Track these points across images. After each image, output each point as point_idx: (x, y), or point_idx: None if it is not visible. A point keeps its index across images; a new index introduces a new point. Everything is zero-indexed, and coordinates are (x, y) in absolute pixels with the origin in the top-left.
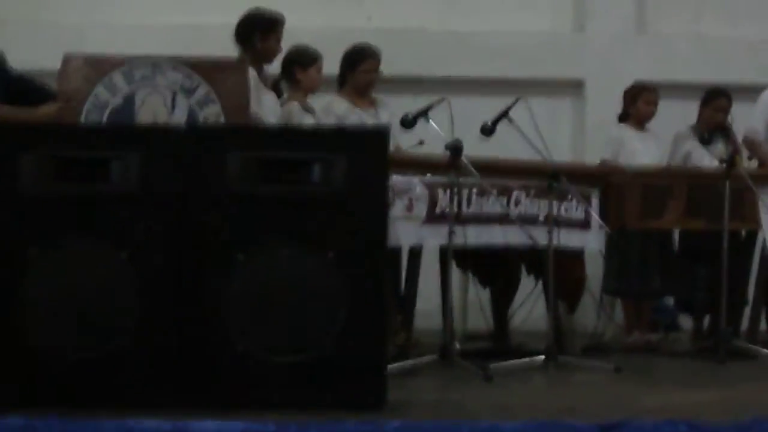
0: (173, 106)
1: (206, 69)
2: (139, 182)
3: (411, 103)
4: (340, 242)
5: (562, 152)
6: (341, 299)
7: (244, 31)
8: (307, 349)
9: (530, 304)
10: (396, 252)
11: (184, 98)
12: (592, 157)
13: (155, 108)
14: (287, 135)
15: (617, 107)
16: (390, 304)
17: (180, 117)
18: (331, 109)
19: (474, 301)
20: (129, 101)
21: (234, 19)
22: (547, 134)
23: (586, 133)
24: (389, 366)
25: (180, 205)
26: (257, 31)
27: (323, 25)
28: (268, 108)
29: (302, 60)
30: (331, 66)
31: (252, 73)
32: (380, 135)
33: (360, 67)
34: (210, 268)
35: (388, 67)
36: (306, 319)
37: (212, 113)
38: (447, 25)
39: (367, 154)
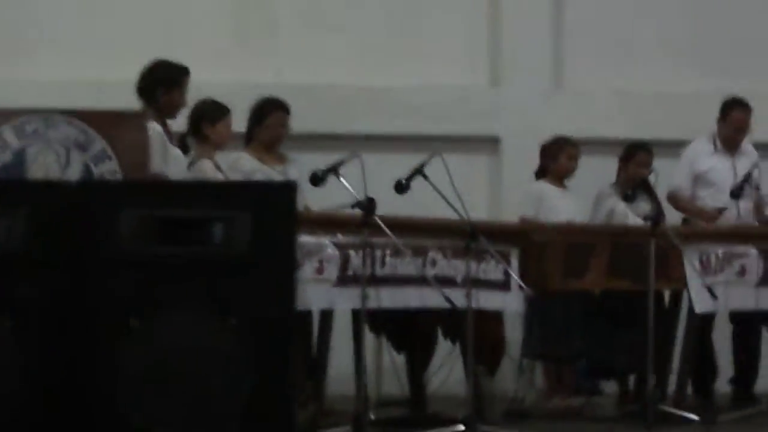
0: (67, 163)
1: (102, 123)
2: (24, 242)
3: (322, 161)
4: (244, 307)
5: (478, 211)
6: (246, 369)
7: (146, 84)
8: (210, 427)
9: (448, 368)
10: (306, 316)
11: (79, 154)
12: (510, 216)
13: (47, 165)
14: (186, 191)
15: (535, 164)
16: (299, 372)
17: (74, 174)
18: (237, 166)
19: (389, 366)
20: (19, 157)
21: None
22: (463, 192)
23: (502, 192)
24: None
25: (69, 267)
26: (160, 85)
27: (230, 80)
28: (175, 165)
29: (210, 115)
30: (238, 123)
31: (157, 128)
32: (287, 191)
33: (267, 121)
34: (102, 336)
35: (298, 124)
36: (207, 393)
37: (108, 170)
38: (359, 81)
39: (273, 211)
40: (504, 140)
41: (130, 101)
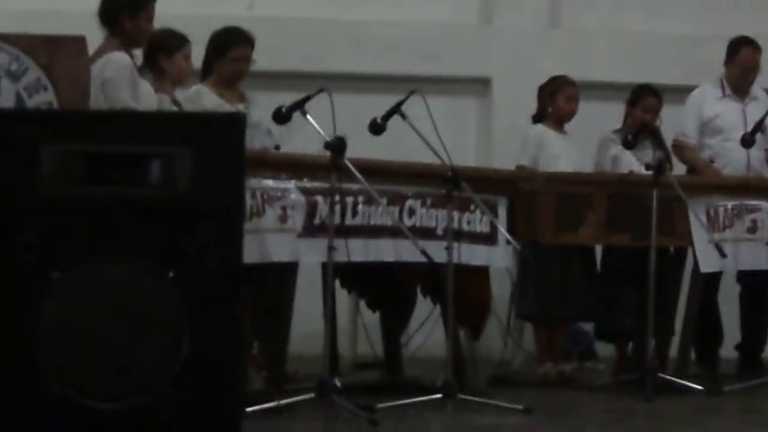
0: None
1: (37, 49)
2: None
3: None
4: (183, 258)
5: (466, 158)
6: (183, 328)
7: (109, 10)
8: (140, 392)
9: (427, 329)
10: (268, 269)
11: (10, 84)
12: (500, 163)
13: None
14: (117, 123)
15: (527, 108)
16: (249, 333)
17: (4, 105)
18: (198, 100)
19: (366, 325)
20: None
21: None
22: (450, 138)
23: (493, 137)
24: (254, 407)
25: None
26: (124, 9)
27: (196, 13)
28: (146, 101)
29: (166, 46)
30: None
31: (124, 58)
32: (234, 123)
33: (229, 54)
34: (19, 290)
35: (270, 61)
36: (139, 354)
37: (44, 101)
38: (336, 14)
39: (218, 147)
40: (494, 81)
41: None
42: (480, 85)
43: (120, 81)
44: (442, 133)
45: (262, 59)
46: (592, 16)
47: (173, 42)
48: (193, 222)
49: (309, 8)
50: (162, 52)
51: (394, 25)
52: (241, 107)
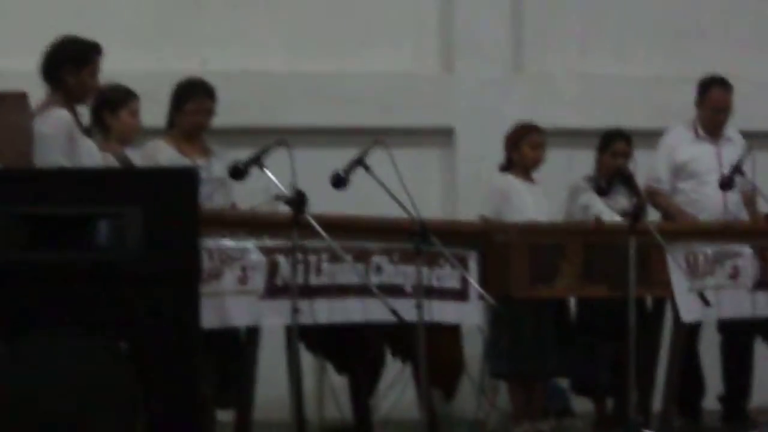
0: None
1: None
2: None
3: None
4: (135, 327)
5: (431, 211)
6: (137, 406)
7: (51, 64)
8: None
9: (398, 390)
10: (228, 334)
11: None
12: (466, 216)
13: None
14: (60, 181)
15: (494, 158)
16: (211, 405)
17: None
18: (154, 156)
19: (334, 387)
20: None
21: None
22: (414, 190)
23: (458, 189)
24: None
25: None
26: (67, 64)
27: (149, 69)
28: (89, 158)
29: (110, 101)
30: (158, 116)
31: (63, 115)
32: (187, 178)
33: (187, 106)
34: None
35: (227, 117)
36: None
37: None
38: (294, 67)
39: (170, 204)
40: (458, 131)
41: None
42: (443, 136)
43: (55, 138)
44: (407, 186)
45: (219, 115)
46: (557, 60)
47: (117, 97)
48: (145, 287)
49: (265, 62)
50: (106, 108)
51: (353, 77)
52: (201, 162)
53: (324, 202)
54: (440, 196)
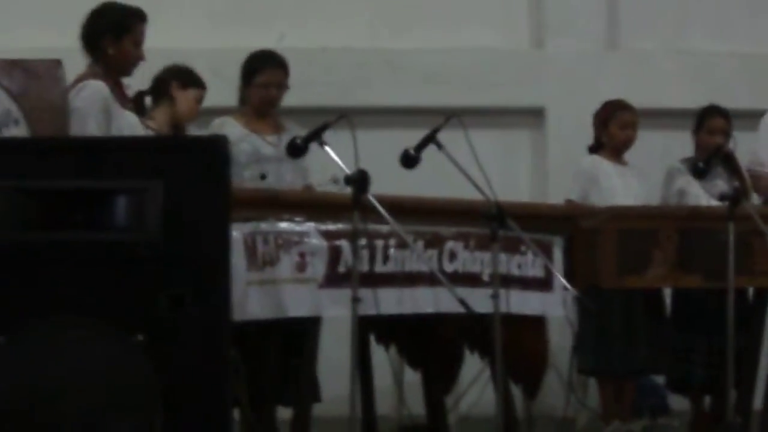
0: None
1: (6, 76)
2: None
3: (331, 138)
4: (155, 318)
5: (520, 196)
6: (155, 404)
7: (90, 34)
8: None
9: (479, 388)
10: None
11: None
12: (557, 200)
13: None
14: (74, 153)
15: (585, 139)
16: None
17: None
18: (220, 132)
19: (412, 383)
20: None
21: None
22: (502, 174)
23: (548, 171)
24: None
25: None
26: (108, 33)
27: (222, 47)
28: (128, 134)
29: (165, 81)
30: (230, 96)
31: (100, 87)
32: (215, 148)
33: (256, 80)
34: None
35: (306, 96)
36: None
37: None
38: (376, 43)
39: (196, 179)
40: (549, 111)
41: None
42: (533, 116)
43: (89, 112)
44: (494, 170)
45: (296, 94)
46: (653, 36)
47: (190, 77)
48: (167, 273)
49: (345, 38)
50: (161, 84)
51: (436, 53)
52: (271, 139)
53: (402, 185)
54: (530, 180)
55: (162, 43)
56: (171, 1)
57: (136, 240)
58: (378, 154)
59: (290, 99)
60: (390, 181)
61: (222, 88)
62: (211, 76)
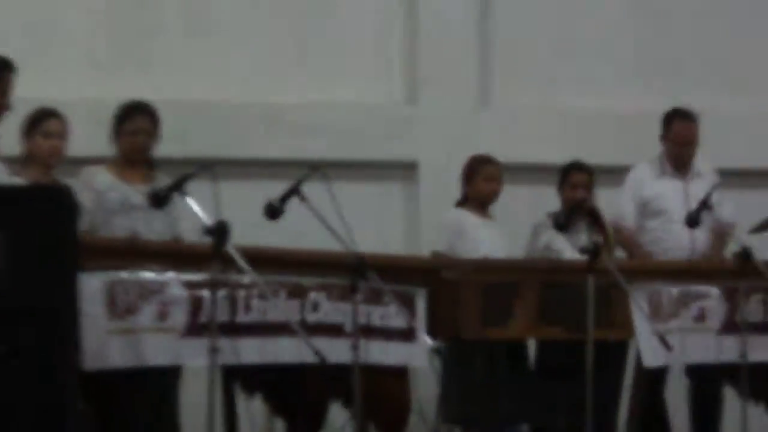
0: None
1: None
2: None
3: (206, 190)
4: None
5: (393, 247)
6: None
7: None
8: None
9: None
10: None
11: None
12: (429, 252)
13: None
14: None
15: (458, 193)
16: None
17: None
18: (89, 182)
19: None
20: None
21: None
22: (376, 226)
23: (421, 224)
24: None
25: None
26: None
27: (102, 96)
28: None
29: (27, 124)
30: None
31: None
32: (59, 200)
33: (125, 127)
34: None
35: (181, 147)
36: None
37: None
38: (252, 98)
39: (41, 230)
40: (422, 165)
41: None
42: (406, 170)
43: None
44: (368, 222)
45: (172, 144)
46: (524, 93)
47: (31, 120)
48: (6, 325)
49: (222, 91)
50: (23, 132)
51: (312, 107)
52: (142, 188)
53: (274, 236)
54: (403, 233)
55: (43, 93)
56: (53, 51)
57: None
58: (251, 205)
59: (168, 150)
60: (262, 233)
61: (102, 138)
62: (92, 125)
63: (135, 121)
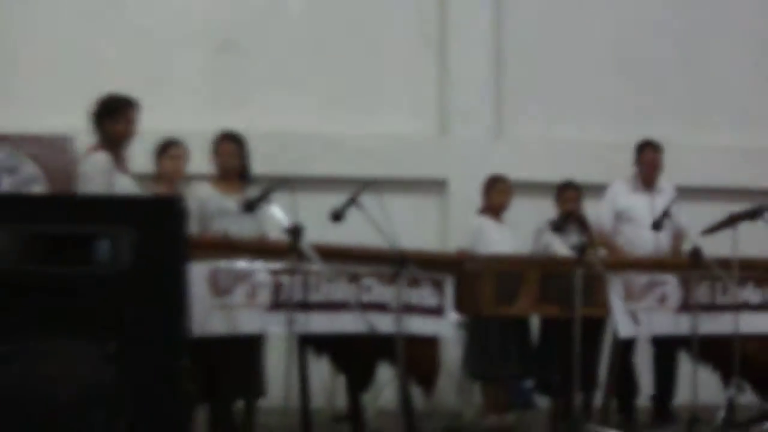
0: None
1: (30, 147)
2: None
3: (286, 201)
4: (124, 331)
5: (427, 245)
6: (124, 402)
7: (95, 115)
8: None
9: (392, 387)
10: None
11: (8, 177)
12: (456, 249)
13: None
14: (66, 205)
15: (477, 203)
16: (193, 397)
17: None
18: (195, 193)
19: (339, 384)
20: None
21: None
22: (413, 231)
23: (450, 228)
24: None
25: None
26: (106, 115)
27: (208, 129)
28: (122, 191)
29: (158, 150)
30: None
31: (100, 156)
32: (172, 206)
33: (218, 151)
34: None
35: (266, 166)
36: (81, 425)
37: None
38: (318, 129)
39: (160, 228)
40: (450, 182)
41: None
42: (438, 186)
43: (92, 175)
44: (406, 229)
45: (258, 165)
46: (529, 127)
47: (162, 147)
48: (134, 298)
49: (297, 122)
50: (156, 156)
51: (366, 137)
52: (236, 197)
53: (337, 236)
54: (435, 234)
55: (159, 126)
56: (169, 96)
57: (111, 272)
58: (319, 212)
59: (256, 169)
60: (328, 233)
61: (206, 161)
62: (198, 152)
63: (223, 145)
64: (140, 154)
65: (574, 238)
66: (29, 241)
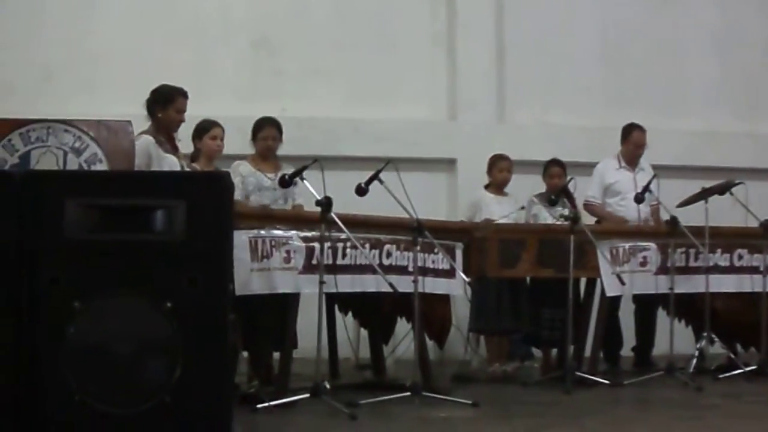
0: (64, 164)
1: (95, 131)
2: None
3: (316, 178)
4: (178, 291)
5: (438, 216)
6: (177, 349)
7: (148, 104)
8: (145, 400)
9: (408, 340)
10: (278, 298)
11: (75, 157)
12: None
13: (49, 166)
14: (127, 181)
15: (483, 180)
16: (237, 347)
17: None
18: (236, 170)
19: (362, 336)
20: (24, 159)
21: None
22: (426, 203)
23: (458, 201)
24: (268, 403)
25: (16, 253)
26: (158, 103)
27: (245, 115)
28: (168, 169)
29: (197, 131)
30: (249, 147)
31: (148, 139)
32: (220, 181)
33: (259, 135)
34: (47, 317)
35: (297, 147)
36: (141, 371)
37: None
38: (344, 114)
39: (207, 200)
40: (459, 161)
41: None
42: (448, 164)
43: (139, 156)
44: (420, 202)
45: (291, 146)
46: (527, 113)
47: (200, 127)
48: (187, 262)
49: (325, 109)
50: (195, 137)
51: (385, 122)
52: (271, 175)
53: (358, 207)
54: (446, 207)
55: (204, 113)
56: (212, 85)
57: (167, 240)
58: (346, 187)
59: (288, 149)
60: (354, 205)
61: (244, 143)
62: (236, 135)
63: (266, 130)
64: (188, 137)
65: (561, 209)
66: (98, 213)
